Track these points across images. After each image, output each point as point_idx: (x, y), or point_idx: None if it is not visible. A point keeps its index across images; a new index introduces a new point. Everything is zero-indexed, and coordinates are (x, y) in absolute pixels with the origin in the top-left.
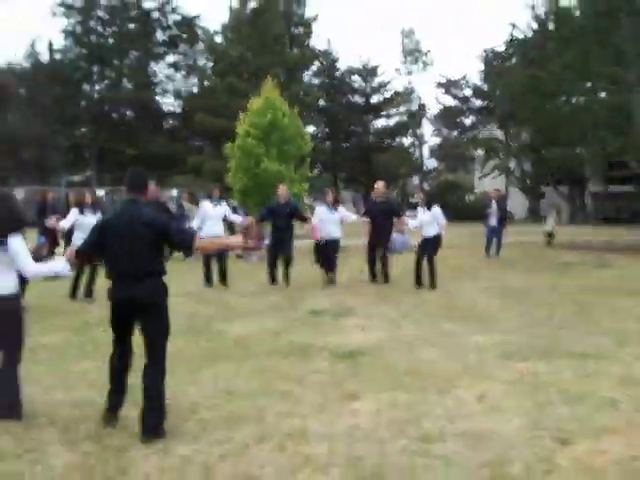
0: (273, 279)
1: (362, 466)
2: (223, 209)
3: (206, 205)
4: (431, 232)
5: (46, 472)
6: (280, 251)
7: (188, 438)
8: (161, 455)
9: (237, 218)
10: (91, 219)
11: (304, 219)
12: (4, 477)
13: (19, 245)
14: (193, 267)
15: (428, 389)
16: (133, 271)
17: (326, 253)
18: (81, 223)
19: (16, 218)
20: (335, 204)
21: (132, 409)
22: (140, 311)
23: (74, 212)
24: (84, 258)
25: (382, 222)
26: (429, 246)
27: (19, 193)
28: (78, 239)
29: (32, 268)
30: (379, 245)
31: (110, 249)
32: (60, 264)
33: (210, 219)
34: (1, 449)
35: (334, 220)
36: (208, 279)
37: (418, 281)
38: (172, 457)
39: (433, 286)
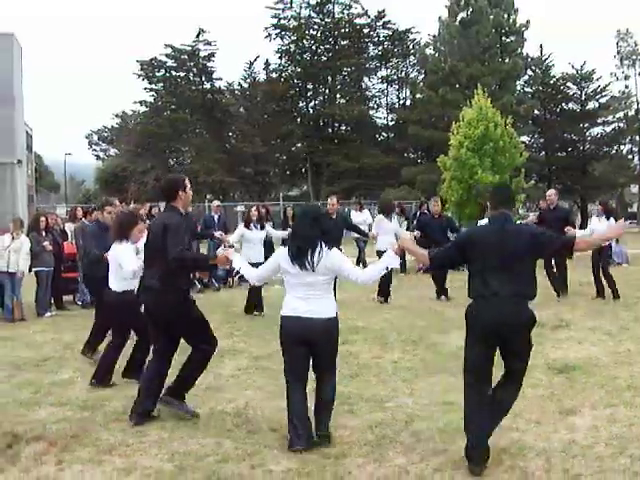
0: None
1: None
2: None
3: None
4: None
5: (266, 476)
6: None
7: (403, 448)
8: (377, 465)
9: None
10: (255, 233)
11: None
12: (227, 478)
13: (339, 258)
14: (404, 282)
15: None
16: (510, 291)
17: None
18: (248, 237)
19: (327, 232)
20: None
21: (349, 419)
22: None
23: (240, 227)
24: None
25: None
26: (602, 256)
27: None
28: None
29: (365, 276)
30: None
31: (481, 266)
32: (389, 258)
33: None
34: (225, 452)
35: None
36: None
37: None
38: (387, 467)
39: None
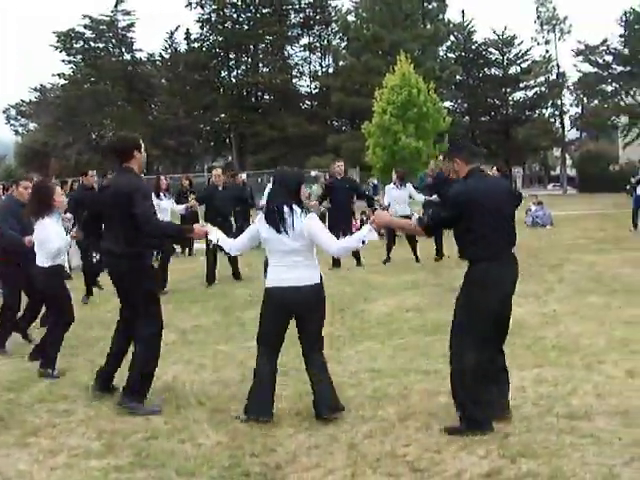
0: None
1: (509, 443)
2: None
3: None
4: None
5: (195, 450)
6: None
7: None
8: (307, 434)
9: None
10: (167, 203)
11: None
12: (157, 454)
13: (316, 224)
14: None
15: (575, 365)
16: (510, 250)
17: None
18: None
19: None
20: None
21: (278, 389)
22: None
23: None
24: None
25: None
26: None
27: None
28: None
29: (337, 247)
30: None
31: (481, 226)
32: (366, 231)
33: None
34: (154, 428)
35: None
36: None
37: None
38: (318, 436)
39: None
